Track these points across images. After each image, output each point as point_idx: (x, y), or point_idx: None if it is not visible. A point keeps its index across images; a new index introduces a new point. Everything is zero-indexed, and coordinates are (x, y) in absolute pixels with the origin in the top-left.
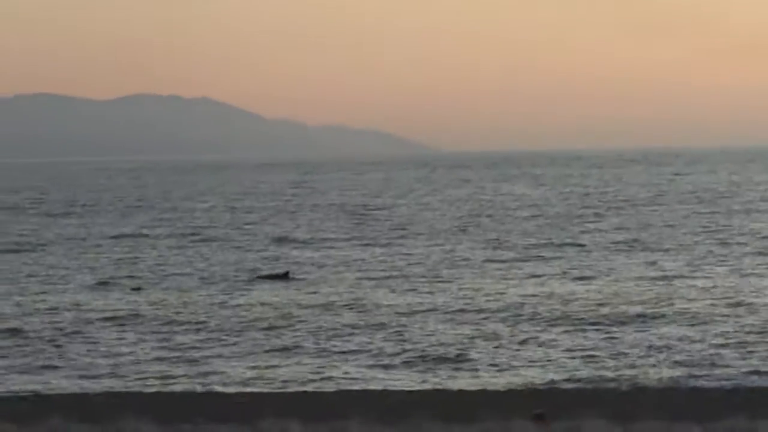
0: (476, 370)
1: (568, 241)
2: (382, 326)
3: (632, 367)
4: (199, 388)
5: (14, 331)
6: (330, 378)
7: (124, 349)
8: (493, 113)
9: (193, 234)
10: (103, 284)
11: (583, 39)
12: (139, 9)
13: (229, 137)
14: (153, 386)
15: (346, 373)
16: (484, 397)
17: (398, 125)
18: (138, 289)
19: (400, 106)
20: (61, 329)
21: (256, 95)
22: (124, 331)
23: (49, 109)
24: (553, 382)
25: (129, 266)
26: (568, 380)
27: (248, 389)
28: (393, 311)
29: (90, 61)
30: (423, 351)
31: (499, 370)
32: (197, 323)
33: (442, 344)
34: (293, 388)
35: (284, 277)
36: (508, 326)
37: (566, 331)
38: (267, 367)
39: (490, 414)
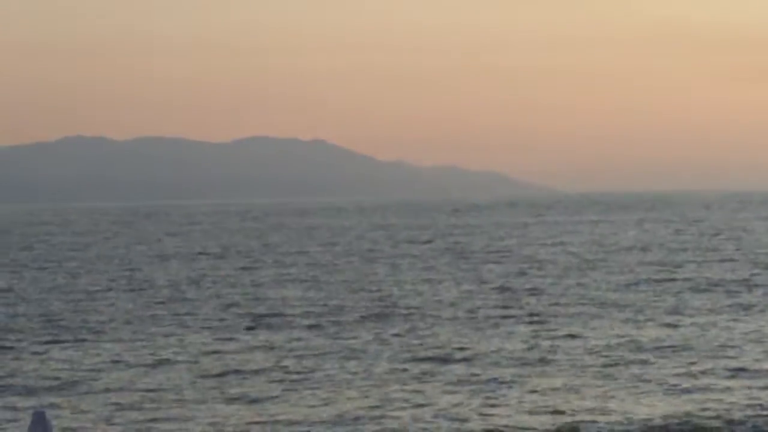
0: (587, 408)
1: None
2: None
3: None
4: None
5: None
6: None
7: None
8: (609, 154)
9: (304, 278)
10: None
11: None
12: (255, 54)
13: (342, 179)
14: None
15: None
16: None
17: (512, 167)
18: (252, 328)
19: (513, 147)
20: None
21: (369, 137)
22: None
23: (167, 152)
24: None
25: (248, 306)
26: (674, 417)
27: None
28: (506, 356)
29: (206, 104)
30: (540, 385)
31: (610, 409)
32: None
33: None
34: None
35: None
36: (622, 364)
37: (676, 368)
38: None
39: None
